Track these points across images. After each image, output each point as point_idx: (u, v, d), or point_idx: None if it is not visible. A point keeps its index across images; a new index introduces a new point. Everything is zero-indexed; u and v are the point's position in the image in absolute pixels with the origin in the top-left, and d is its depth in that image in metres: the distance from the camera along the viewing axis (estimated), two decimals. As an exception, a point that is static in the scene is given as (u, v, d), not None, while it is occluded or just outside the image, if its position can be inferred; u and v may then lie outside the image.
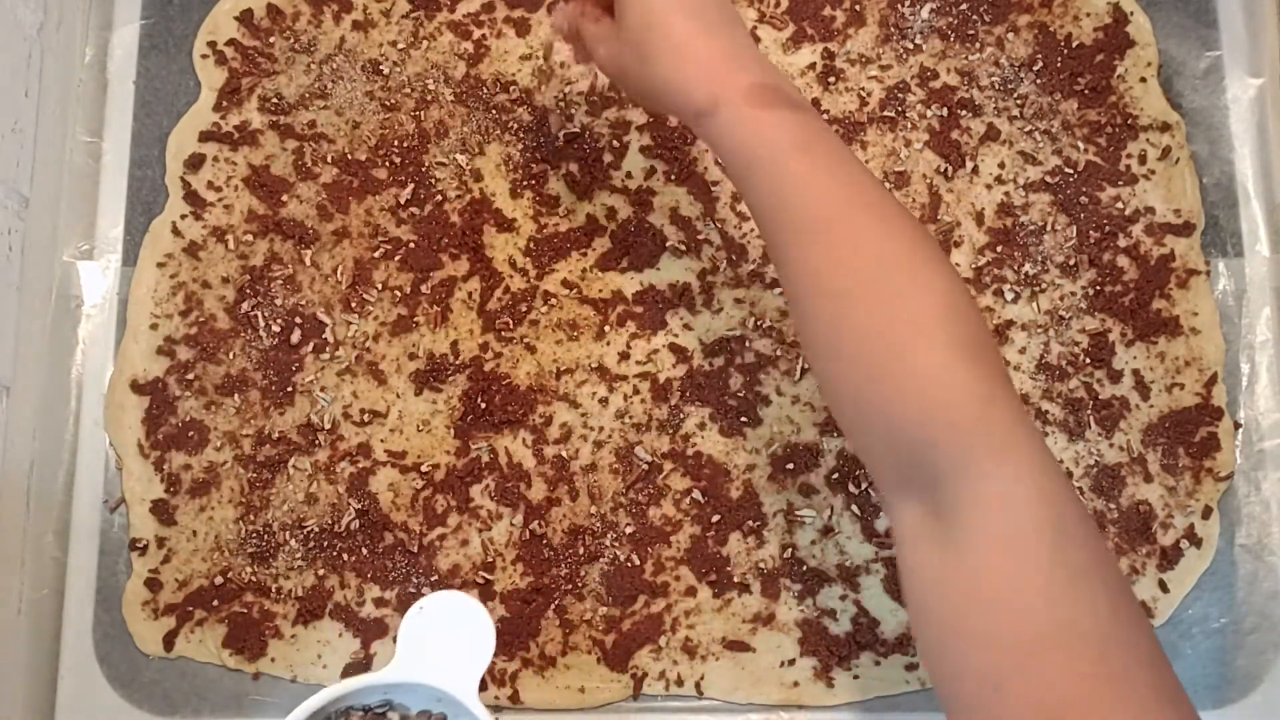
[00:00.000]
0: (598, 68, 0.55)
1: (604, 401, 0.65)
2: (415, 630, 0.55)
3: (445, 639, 0.54)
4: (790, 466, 0.64)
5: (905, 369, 0.43)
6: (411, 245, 0.66)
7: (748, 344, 0.65)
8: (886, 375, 0.43)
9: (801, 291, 0.46)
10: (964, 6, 0.69)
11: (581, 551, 0.63)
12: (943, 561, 0.42)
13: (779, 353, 0.65)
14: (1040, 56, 0.68)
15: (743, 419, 0.64)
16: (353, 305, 0.66)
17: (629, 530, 0.63)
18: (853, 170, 0.47)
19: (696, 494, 0.63)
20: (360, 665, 0.62)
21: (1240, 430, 0.65)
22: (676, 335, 0.66)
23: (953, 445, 0.42)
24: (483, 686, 0.61)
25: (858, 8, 0.69)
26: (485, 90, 0.68)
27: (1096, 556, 0.41)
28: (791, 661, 0.62)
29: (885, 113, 0.68)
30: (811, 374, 0.49)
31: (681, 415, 0.65)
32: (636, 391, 0.65)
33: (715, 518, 0.63)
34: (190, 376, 0.65)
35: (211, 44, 0.69)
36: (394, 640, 0.62)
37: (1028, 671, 0.39)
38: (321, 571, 0.63)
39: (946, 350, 0.43)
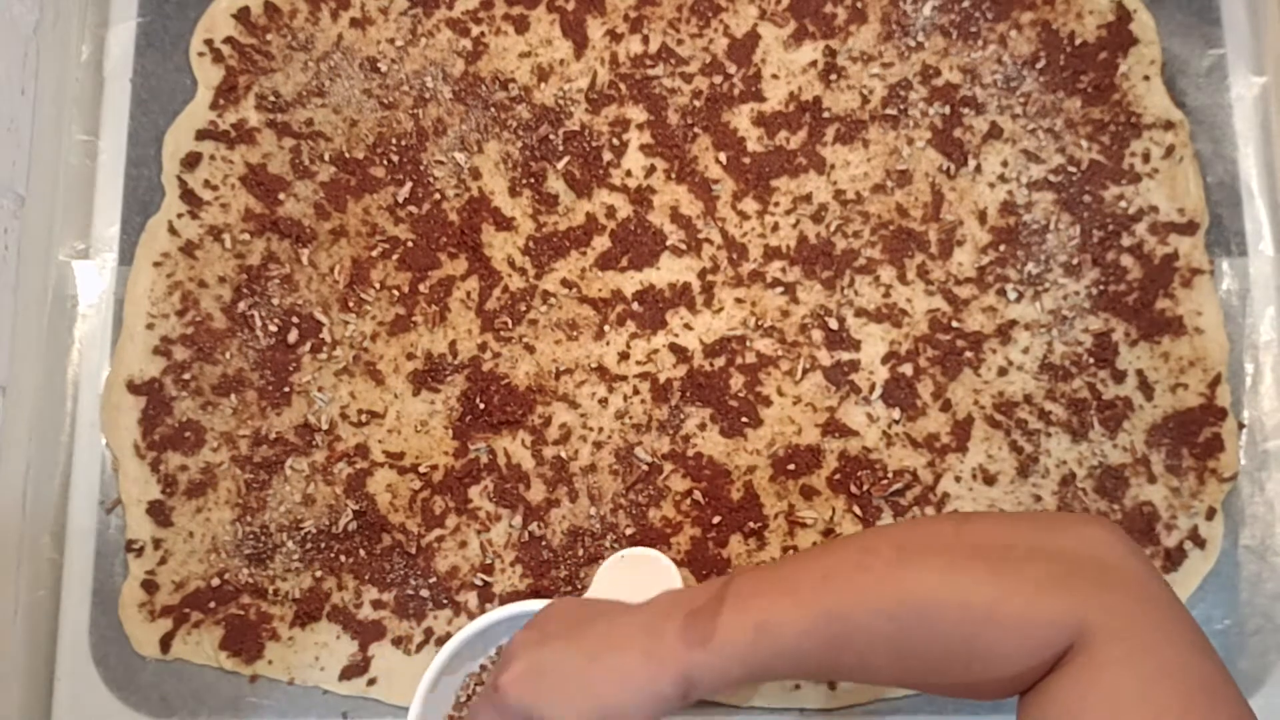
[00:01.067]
0: None
1: (603, 402, 0.64)
2: (610, 577, 0.57)
3: (637, 591, 0.52)
4: (791, 468, 0.63)
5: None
6: (409, 244, 0.66)
7: (748, 344, 0.65)
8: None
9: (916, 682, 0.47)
10: (966, 4, 0.68)
11: (581, 553, 0.62)
12: None
13: (780, 353, 0.65)
14: (1043, 54, 0.68)
15: (743, 420, 0.64)
16: (350, 305, 0.65)
17: (629, 532, 0.63)
18: (811, 556, 0.47)
19: (697, 495, 0.63)
20: (358, 668, 0.62)
21: (1244, 431, 0.64)
22: (676, 335, 0.65)
23: None
24: (482, 689, 0.61)
25: (860, 5, 0.68)
26: (484, 88, 0.68)
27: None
28: (792, 664, 0.61)
29: (887, 110, 0.67)
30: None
31: (682, 416, 0.64)
32: (636, 392, 0.64)
33: (716, 519, 0.63)
34: (187, 377, 0.64)
35: (208, 42, 0.68)
36: (393, 642, 0.62)
37: None
38: (319, 573, 0.62)
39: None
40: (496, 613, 0.56)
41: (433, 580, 0.62)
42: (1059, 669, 0.42)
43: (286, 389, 0.64)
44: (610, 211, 0.67)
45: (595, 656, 0.47)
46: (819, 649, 0.45)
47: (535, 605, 0.55)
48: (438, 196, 0.67)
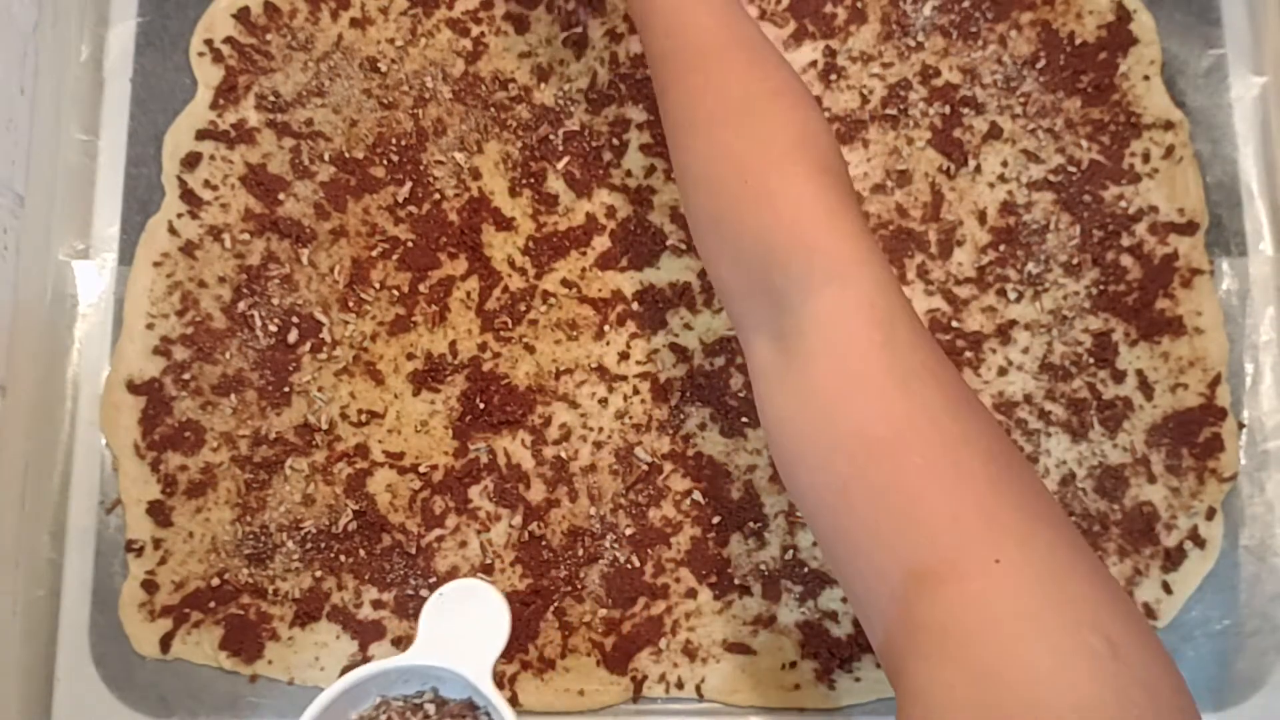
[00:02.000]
0: None
1: (604, 402, 0.64)
2: (434, 616, 0.57)
3: (462, 625, 0.56)
4: (791, 467, 0.63)
5: (759, 191, 0.46)
6: (409, 244, 0.66)
7: (748, 344, 0.65)
8: (742, 198, 0.46)
9: (676, 123, 0.51)
10: (966, 4, 0.68)
11: (581, 553, 0.63)
12: (785, 384, 0.44)
13: (780, 353, 0.65)
14: (1043, 54, 0.68)
15: (744, 419, 0.64)
16: (350, 305, 0.65)
17: (629, 531, 0.63)
18: (739, 16, 0.51)
19: (697, 495, 0.63)
20: (358, 668, 0.62)
21: (1244, 431, 0.64)
22: (676, 335, 0.65)
23: (797, 265, 0.44)
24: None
25: (859, 5, 0.68)
26: (484, 88, 0.68)
27: (931, 361, 0.43)
28: (793, 664, 0.61)
29: (887, 110, 0.67)
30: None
31: (682, 415, 0.64)
32: (636, 392, 0.64)
33: (716, 519, 0.63)
34: (186, 377, 0.64)
35: (208, 41, 0.68)
36: (393, 642, 0.62)
37: (868, 473, 0.41)
38: (319, 573, 0.62)
39: (798, 176, 0.45)
40: (367, 668, 0.56)
41: (433, 580, 0.62)
42: None
43: (286, 389, 0.64)
44: (610, 211, 0.67)
45: None
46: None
47: (405, 661, 0.56)
48: (438, 196, 0.67)
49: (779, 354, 0.45)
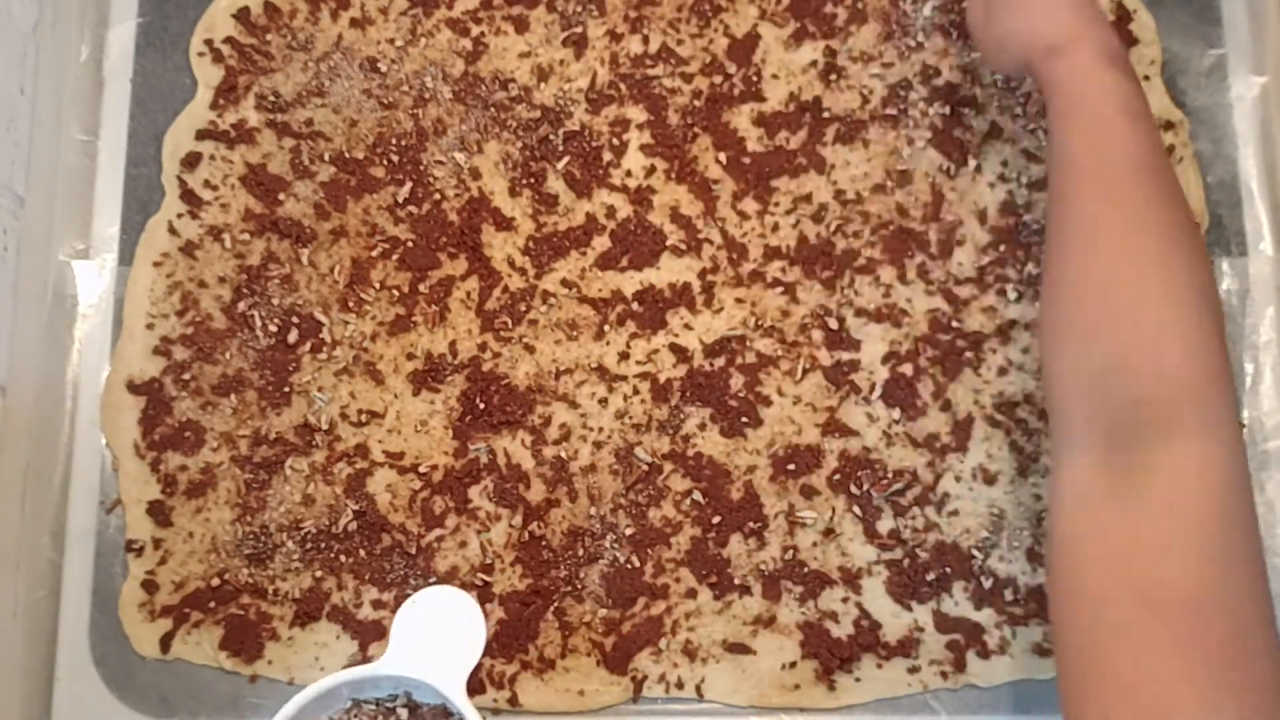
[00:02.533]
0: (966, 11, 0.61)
1: (603, 402, 0.64)
2: (407, 624, 0.56)
3: (437, 634, 0.56)
4: (791, 468, 0.63)
5: (1149, 330, 0.46)
6: (409, 244, 0.66)
7: (748, 344, 0.65)
8: (1128, 329, 0.47)
9: (1070, 235, 0.50)
10: (966, 3, 0.68)
11: (581, 553, 0.62)
12: (1108, 512, 0.45)
13: (780, 353, 0.65)
14: (1043, 54, 0.68)
15: (743, 420, 0.64)
16: (350, 305, 0.65)
17: (629, 532, 0.63)
18: (1159, 149, 0.51)
19: (697, 495, 0.63)
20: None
21: (1244, 431, 0.64)
22: (676, 335, 0.65)
23: (1167, 409, 0.45)
24: (481, 689, 0.61)
25: (859, 5, 0.68)
26: (484, 88, 0.68)
27: (1253, 535, 0.44)
28: (793, 664, 0.61)
29: (887, 110, 0.67)
30: (1039, 326, 0.54)
31: (682, 416, 0.64)
32: (636, 392, 0.64)
33: (716, 519, 0.63)
34: (187, 377, 0.64)
35: (208, 42, 0.68)
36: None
37: (1161, 625, 0.42)
38: (319, 573, 0.62)
39: (1192, 326, 0.46)
40: (342, 675, 0.56)
41: (433, 580, 0.62)
42: None
43: (286, 389, 0.64)
44: (610, 211, 0.67)
45: None
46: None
47: (376, 670, 0.56)
48: (438, 196, 0.67)
49: (1106, 480, 0.46)
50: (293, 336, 0.65)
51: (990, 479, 0.63)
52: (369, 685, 0.57)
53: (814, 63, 0.68)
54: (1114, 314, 0.47)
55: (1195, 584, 0.42)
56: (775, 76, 0.68)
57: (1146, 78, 0.67)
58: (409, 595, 0.62)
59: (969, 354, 0.65)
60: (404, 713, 0.56)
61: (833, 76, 0.68)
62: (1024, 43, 0.53)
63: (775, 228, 0.66)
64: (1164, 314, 0.46)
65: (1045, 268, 0.51)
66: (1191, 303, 0.47)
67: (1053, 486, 0.49)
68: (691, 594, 0.62)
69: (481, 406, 0.64)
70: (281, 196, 0.66)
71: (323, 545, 0.63)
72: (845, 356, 0.65)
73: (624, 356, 0.65)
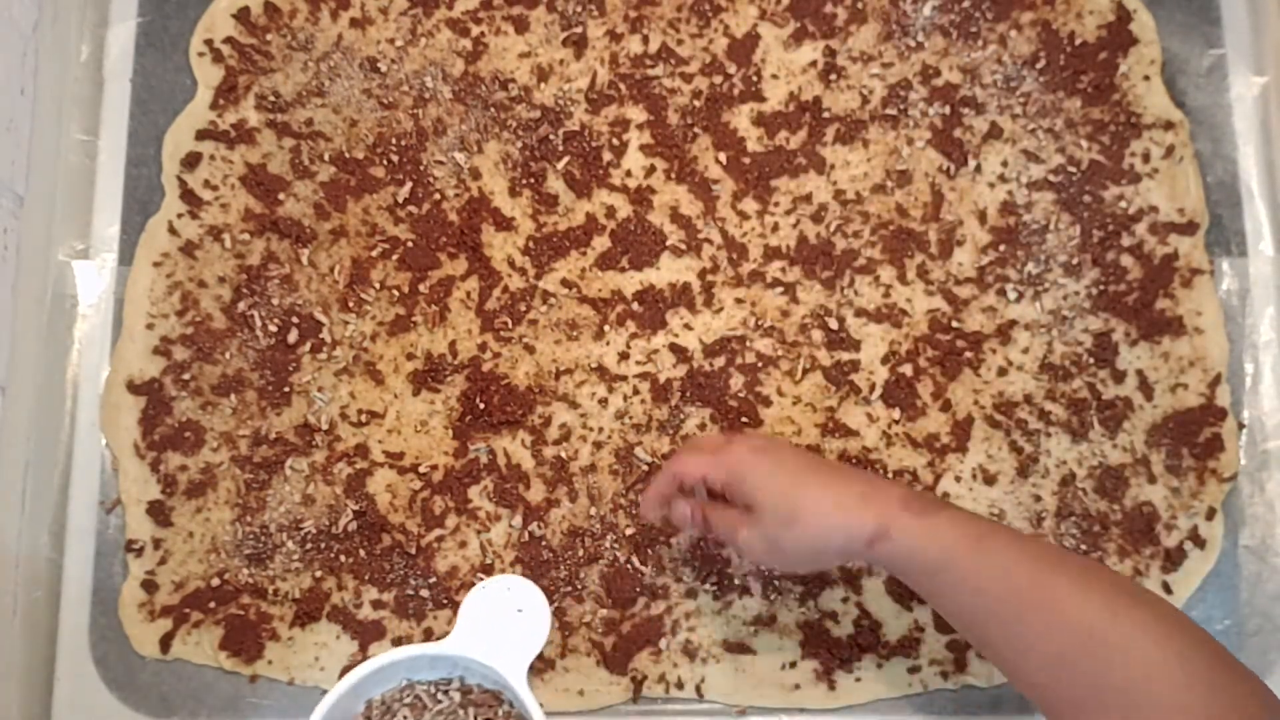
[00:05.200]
0: (740, 551, 0.59)
1: (603, 402, 0.64)
2: (475, 608, 0.57)
3: (503, 620, 0.57)
4: (791, 467, 0.63)
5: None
6: (409, 244, 0.66)
7: (748, 344, 0.65)
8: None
9: (1014, 664, 0.49)
10: (966, 4, 0.68)
11: (581, 553, 0.62)
12: None
13: (780, 353, 0.65)
14: (1043, 54, 0.68)
15: (743, 420, 0.64)
16: (350, 305, 0.65)
17: (629, 532, 0.63)
18: (1025, 542, 0.50)
19: (697, 495, 0.63)
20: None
21: (1244, 431, 0.64)
22: (676, 335, 0.65)
23: None
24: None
25: (859, 5, 0.68)
26: (484, 88, 0.68)
27: None
28: (793, 664, 0.61)
29: (887, 110, 0.67)
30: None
31: (681, 416, 0.64)
32: (636, 392, 0.64)
33: (715, 519, 0.63)
34: (186, 377, 0.64)
35: (208, 42, 0.68)
36: (393, 642, 0.62)
37: None
38: (319, 573, 0.62)
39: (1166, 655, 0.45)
40: (403, 650, 0.56)
41: (432, 580, 0.62)
42: None
43: (286, 389, 0.64)
44: (610, 211, 0.66)
45: (820, 471, 0.53)
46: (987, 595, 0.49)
47: (442, 649, 0.56)
48: (438, 196, 0.67)
49: None
50: (293, 336, 0.65)
51: (990, 479, 0.63)
52: (424, 666, 0.57)
53: (814, 63, 0.68)
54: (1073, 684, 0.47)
55: None
56: (775, 76, 0.68)
57: (1146, 78, 0.67)
58: (409, 596, 0.62)
59: (969, 354, 0.65)
60: (457, 695, 0.57)
61: (833, 76, 0.68)
62: (841, 547, 0.51)
63: (775, 228, 0.66)
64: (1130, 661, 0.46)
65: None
66: (1161, 689, 0.45)
67: None
68: (691, 594, 0.62)
69: (481, 406, 0.64)
70: (281, 196, 0.66)
71: (323, 545, 0.63)
72: (845, 356, 0.65)
73: (624, 356, 0.65)
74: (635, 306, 0.65)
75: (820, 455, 0.62)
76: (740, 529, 0.53)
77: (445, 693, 0.57)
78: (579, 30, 0.68)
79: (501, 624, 0.57)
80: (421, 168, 0.67)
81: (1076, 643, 0.46)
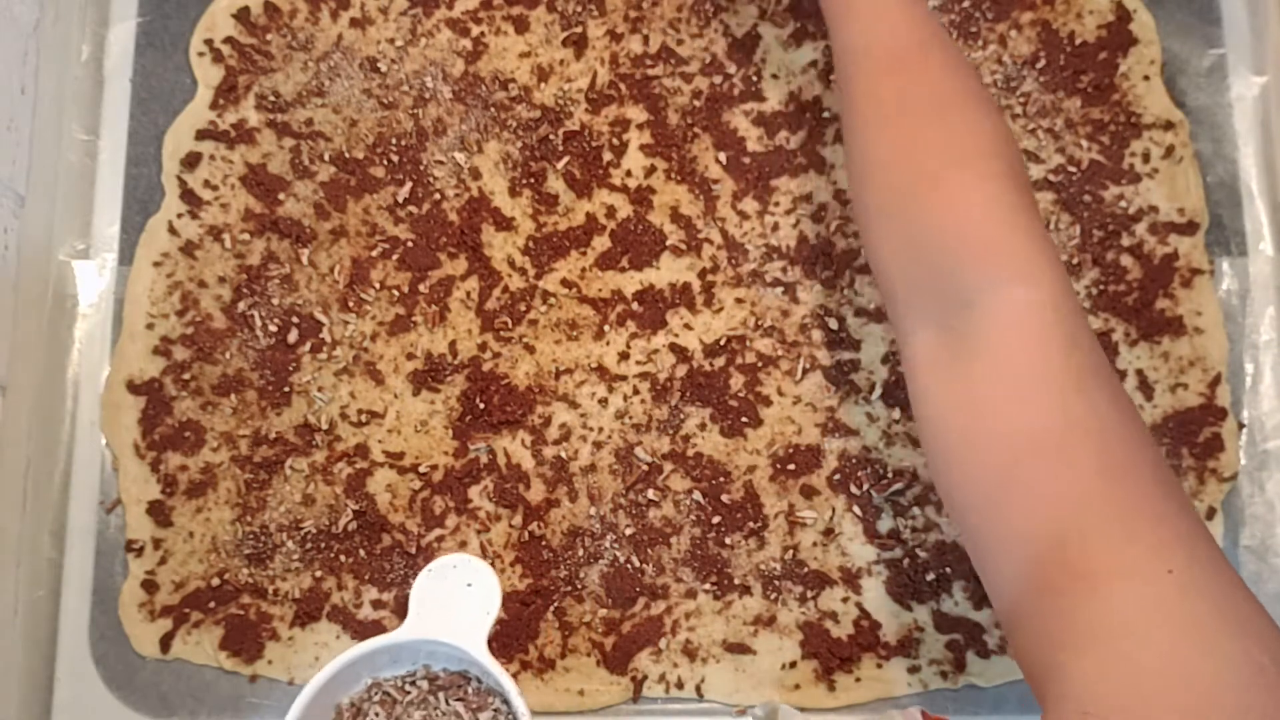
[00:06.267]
0: None
1: (603, 402, 0.64)
2: (424, 591, 0.57)
3: (453, 599, 0.57)
4: (791, 468, 0.63)
5: (945, 192, 0.47)
6: (409, 244, 0.66)
7: (748, 344, 0.65)
8: (928, 196, 0.48)
9: (863, 115, 0.51)
10: (966, 4, 0.68)
11: (581, 553, 0.62)
12: (955, 374, 0.46)
13: (780, 353, 0.65)
14: (1043, 54, 0.68)
15: (743, 419, 0.64)
16: (350, 305, 0.65)
17: (629, 532, 0.63)
18: (934, 23, 0.52)
19: (697, 495, 0.63)
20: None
21: (1244, 431, 0.64)
22: (676, 335, 0.65)
23: (981, 261, 0.46)
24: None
25: (859, 5, 0.68)
26: (484, 88, 0.68)
27: (1103, 367, 0.45)
28: (793, 664, 0.61)
29: (887, 111, 0.67)
30: (854, 218, 0.56)
31: (682, 416, 0.64)
32: (636, 392, 0.64)
33: (716, 519, 0.63)
34: (187, 376, 0.64)
35: (208, 41, 0.68)
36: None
37: (1036, 466, 0.42)
38: (319, 573, 0.62)
39: (985, 179, 0.47)
40: (356, 649, 0.56)
41: (433, 580, 0.62)
42: None
43: (286, 389, 0.64)
44: (610, 211, 0.67)
45: None
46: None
47: (396, 638, 0.56)
48: (438, 196, 0.67)
49: (946, 347, 0.46)
50: (293, 336, 0.65)
51: (990, 479, 0.63)
52: (386, 663, 0.57)
53: (814, 63, 0.68)
54: (914, 186, 0.48)
55: (1055, 417, 0.43)
56: (775, 76, 0.68)
57: (1146, 78, 0.67)
58: (410, 595, 0.62)
59: (969, 354, 0.65)
60: (424, 684, 0.57)
61: (832, 76, 0.68)
62: None
63: (775, 227, 0.66)
64: (959, 175, 0.47)
65: (846, 157, 0.53)
66: (984, 160, 0.48)
67: (905, 367, 0.50)
68: (691, 594, 0.62)
69: (481, 406, 0.64)
70: (281, 196, 0.66)
71: (323, 545, 0.63)
72: (845, 356, 0.65)
73: (624, 356, 0.65)
74: (635, 306, 0.65)
75: None
76: None
77: (412, 683, 0.57)
78: (579, 30, 0.68)
79: (453, 600, 0.57)
80: (421, 168, 0.67)
81: (926, 107, 0.49)
